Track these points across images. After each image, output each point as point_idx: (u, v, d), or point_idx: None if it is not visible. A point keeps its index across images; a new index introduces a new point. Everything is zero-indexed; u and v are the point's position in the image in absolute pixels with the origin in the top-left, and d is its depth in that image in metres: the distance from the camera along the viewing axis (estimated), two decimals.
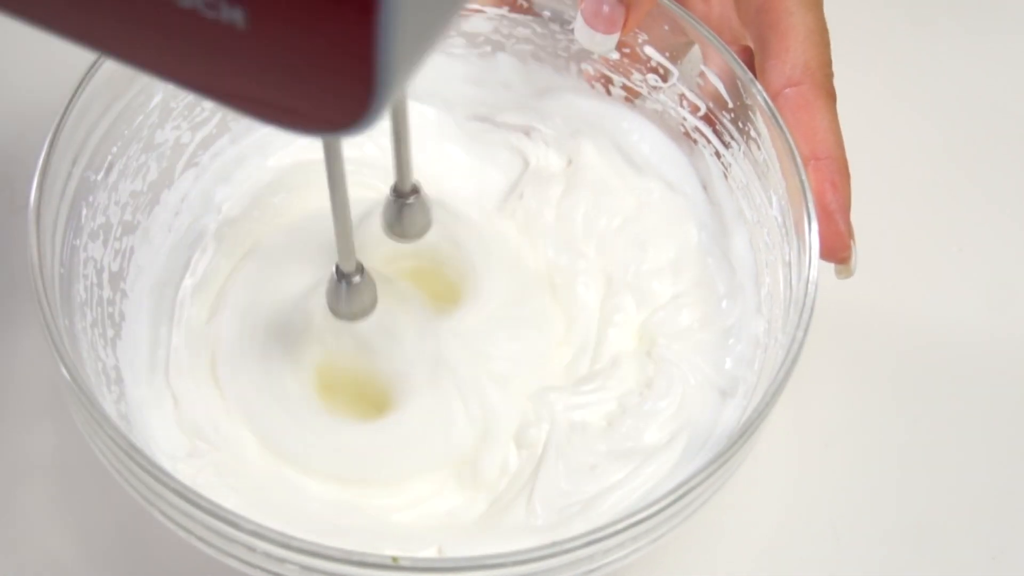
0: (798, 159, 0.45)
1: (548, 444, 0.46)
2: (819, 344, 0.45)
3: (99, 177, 0.46)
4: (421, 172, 0.43)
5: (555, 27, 0.52)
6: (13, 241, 0.54)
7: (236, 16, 0.25)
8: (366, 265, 0.41)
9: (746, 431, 0.40)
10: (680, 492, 0.38)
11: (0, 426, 0.50)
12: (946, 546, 0.50)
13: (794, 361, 0.41)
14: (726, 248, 0.50)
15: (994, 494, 0.52)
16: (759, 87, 0.47)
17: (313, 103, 0.26)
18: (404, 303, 0.47)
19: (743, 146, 0.49)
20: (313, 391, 0.46)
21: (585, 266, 0.51)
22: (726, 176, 0.50)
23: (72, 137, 0.44)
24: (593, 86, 0.53)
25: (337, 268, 0.41)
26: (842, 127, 0.47)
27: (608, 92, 0.53)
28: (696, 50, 0.50)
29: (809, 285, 0.43)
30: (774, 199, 0.47)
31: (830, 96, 0.47)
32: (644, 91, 0.52)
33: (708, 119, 0.50)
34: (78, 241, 0.44)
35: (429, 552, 0.43)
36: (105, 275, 0.46)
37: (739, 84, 0.48)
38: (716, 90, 0.49)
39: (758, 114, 0.47)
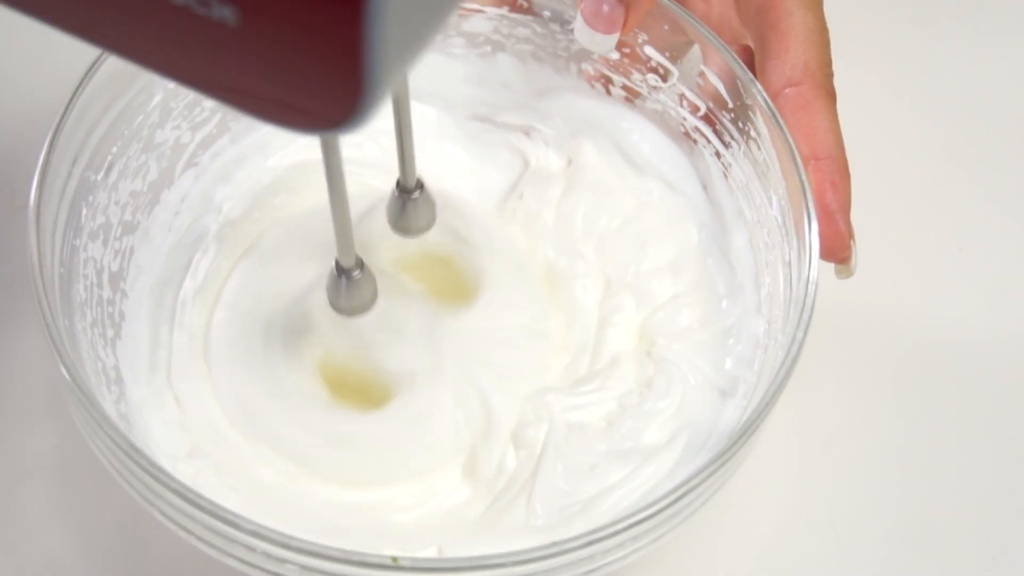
0: (798, 159, 0.45)
1: (547, 444, 0.46)
2: (819, 344, 0.45)
3: (99, 177, 0.46)
4: (421, 172, 0.43)
5: (555, 27, 0.52)
6: (13, 241, 0.54)
7: (227, 14, 0.25)
8: (369, 261, 0.41)
9: (746, 431, 0.40)
10: (680, 492, 0.38)
11: (0, 426, 0.50)
12: (946, 546, 0.50)
13: (794, 361, 0.41)
14: (726, 248, 0.50)
15: (994, 494, 0.52)
16: (759, 87, 0.47)
17: (305, 100, 0.26)
18: (405, 298, 0.47)
19: (743, 146, 0.49)
20: (314, 388, 0.46)
21: (585, 266, 0.51)
22: (726, 176, 0.50)
23: (72, 137, 0.44)
24: (593, 86, 0.53)
25: (337, 263, 0.41)
26: (842, 127, 0.47)
27: (608, 92, 0.53)
28: (696, 50, 0.50)
29: (809, 285, 0.43)
30: (774, 199, 0.47)
31: (830, 96, 0.47)
32: (644, 91, 0.52)
33: (708, 119, 0.50)
34: (78, 241, 0.44)
35: (429, 552, 0.43)
36: (105, 275, 0.46)
37: (739, 84, 0.48)
38: (716, 90, 0.49)
39: (758, 114, 0.47)
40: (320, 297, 0.43)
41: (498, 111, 0.55)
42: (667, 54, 0.50)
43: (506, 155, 0.54)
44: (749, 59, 0.49)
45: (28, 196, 0.41)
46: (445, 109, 0.55)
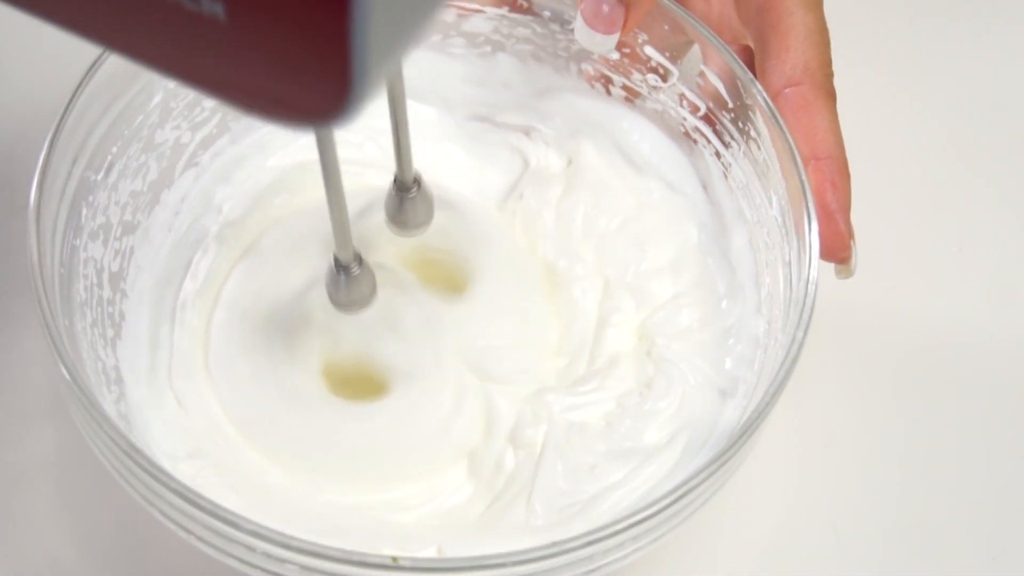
0: (798, 159, 0.45)
1: (546, 444, 0.46)
2: (819, 344, 0.45)
3: (99, 177, 0.46)
4: (421, 172, 0.43)
5: (555, 27, 0.52)
6: (13, 241, 0.54)
7: (217, 9, 0.25)
8: (369, 258, 0.41)
9: (746, 431, 0.40)
10: (680, 492, 0.38)
11: (1, 427, 0.50)
12: (946, 546, 0.50)
13: (794, 361, 0.41)
14: (726, 248, 0.50)
15: (994, 494, 0.52)
16: (759, 87, 0.47)
17: (295, 94, 0.27)
18: (405, 294, 0.47)
19: (743, 146, 0.49)
20: (315, 385, 0.46)
21: (584, 266, 0.51)
22: (726, 176, 0.50)
23: (72, 137, 0.44)
24: (593, 86, 0.53)
25: (335, 259, 0.41)
26: (842, 127, 0.47)
27: (608, 92, 0.53)
28: (696, 50, 0.50)
29: (809, 285, 0.43)
30: (774, 199, 0.47)
31: (830, 96, 0.47)
32: (644, 91, 0.52)
33: (708, 119, 0.50)
34: (78, 241, 0.44)
35: (429, 552, 0.43)
36: (105, 275, 0.46)
37: (739, 84, 0.48)
38: (716, 90, 0.49)
39: (758, 114, 0.47)
40: (320, 294, 0.43)
41: (498, 111, 0.55)
42: (667, 54, 0.50)
43: (506, 155, 0.54)
44: (749, 59, 0.49)
45: (28, 196, 0.41)
46: (445, 109, 0.55)
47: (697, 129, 0.51)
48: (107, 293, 0.46)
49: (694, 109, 0.51)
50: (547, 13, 0.52)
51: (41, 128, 0.43)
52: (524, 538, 0.42)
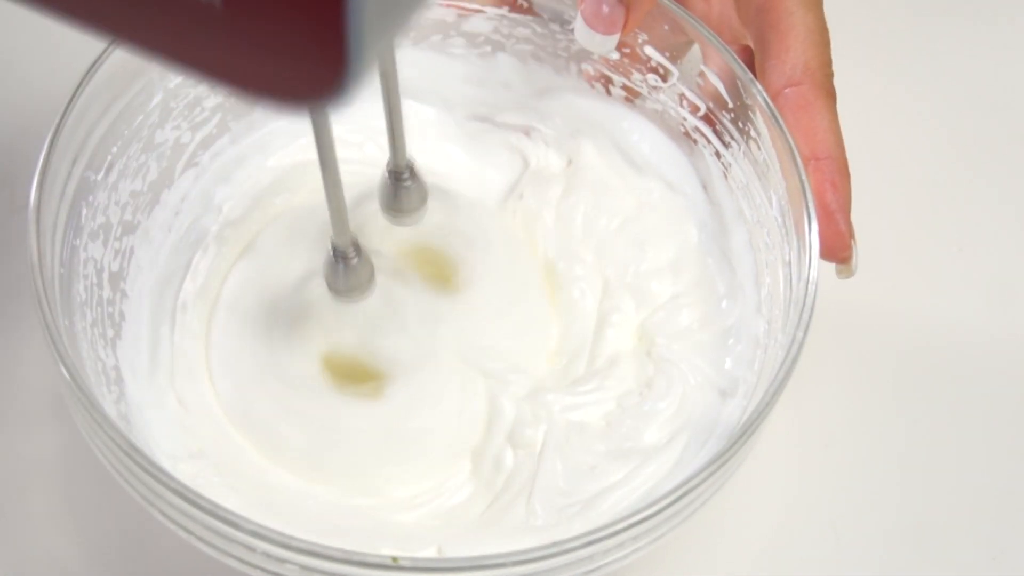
0: (798, 159, 0.45)
1: (546, 444, 0.46)
2: (819, 344, 0.45)
3: (99, 177, 0.46)
4: (421, 171, 0.43)
5: (555, 27, 0.52)
6: (13, 241, 0.54)
7: None
8: (367, 246, 0.42)
9: (746, 431, 0.40)
10: (680, 492, 0.38)
11: (1, 427, 0.50)
12: (946, 546, 0.50)
13: (794, 361, 0.41)
14: (726, 248, 0.50)
15: (994, 494, 0.52)
16: (759, 87, 0.47)
17: (290, 76, 0.27)
18: (403, 283, 0.47)
19: (743, 146, 0.49)
20: (317, 380, 0.46)
21: (584, 266, 0.51)
22: (726, 176, 0.50)
23: (72, 137, 0.44)
24: (593, 86, 0.53)
25: (333, 247, 0.41)
26: (842, 127, 0.47)
27: (608, 92, 0.53)
28: (696, 50, 0.50)
29: (809, 285, 0.43)
30: (774, 199, 0.47)
31: (830, 96, 0.47)
32: (644, 91, 0.52)
33: (708, 119, 0.50)
34: (78, 241, 0.44)
35: (429, 552, 0.43)
36: (105, 275, 0.46)
37: (739, 84, 0.48)
38: (716, 90, 0.49)
39: (758, 114, 0.47)
40: (319, 285, 0.43)
41: (498, 111, 0.55)
42: (667, 54, 0.50)
43: (506, 155, 0.54)
44: (749, 59, 0.49)
45: (28, 196, 0.41)
46: (445, 109, 0.55)
47: (697, 129, 0.51)
48: (107, 293, 0.46)
49: (694, 109, 0.51)
50: (547, 13, 0.52)
51: (41, 128, 0.43)
52: (524, 538, 0.42)
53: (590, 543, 0.37)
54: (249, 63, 0.27)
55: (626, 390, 0.48)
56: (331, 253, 0.41)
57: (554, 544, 0.37)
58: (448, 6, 0.53)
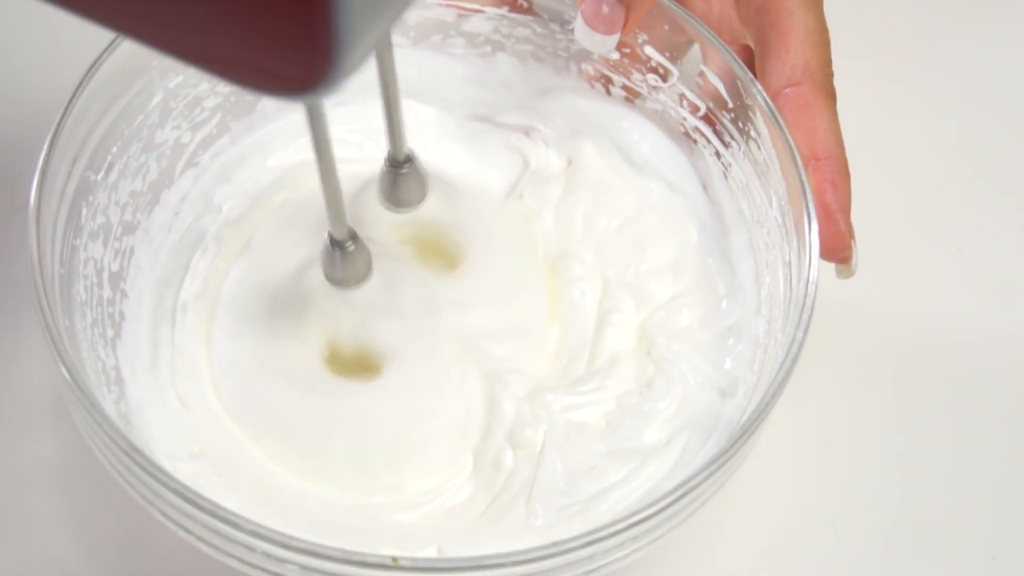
0: (798, 159, 0.45)
1: (546, 444, 0.46)
2: (819, 344, 0.45)
3: (99, 177, 0.46)
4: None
5: (555, 27, 0.52)
6: (13, 241, 0.54)
7: None
8: (366, 236, 0.42)
9: (746, 431, 0.40)
10: (680, 492, 0.38)
11: (1, 427, 0.50)
12: (946, 546, 0.50)
13: (794, 361, 0.41)
14: (726, 248, 0.50)
15: (994, 494, 0.52)
16: (759, 87, 0.47)
17: (280, 63, 0.27)
18: (402, 272, 0.47)
19: (743, 146, 0.49)
20: (318, 373, 0.46)
21: (584, 267, 0.51)
22: (726, 176, 0.50)
23: (72, 137, 0.44)
24: (593, 86, 0.53)
25: (330, 235, 0.41)
26: (842, 127, 0.47)
27: (608, 92, 0.53)
28: (696, 50, 0.50)
29: (809, 285, 0.43)
30: (774, 199, 0.47)
31: (830, 96, 0.47)
32: (644, 91, 0.52)
33: (708, 119, 0.50)
34: (78, 241, 0.44)
35: (429, 552, 0.43)
36: (105, 275, 0.46)
37: (739, 84, 0.48)
38: (716, 90, 0.49)
39: (758, 114, 0.47)
40: (318, 278, 0.44)
41: (498, 111, 0.55)
42: (667, 54, 0.50)
43: (506, 155, 0.54)
44: (749, 59, 0.49)
45: (28, 196, 0.41)
46: (445, 109, 0.55)
47: (697, 129, 0.51)
48: (107, 293, 0.46)
49: (694, 109, 0.51)
50: (547, 13, 0.52)
51: (41, 128, 0.43)
52: (524, 538, 0.42)
53: (590, 543, 0.37)
54: (239, 49, 0.27)
55: (626, 390, 0.48)
56: (328, 242, 0.41)
57: (554, 544, 0.37)
58: (448, 6, 0.53)
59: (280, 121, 0.52)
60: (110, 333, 0.46)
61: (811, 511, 0.51)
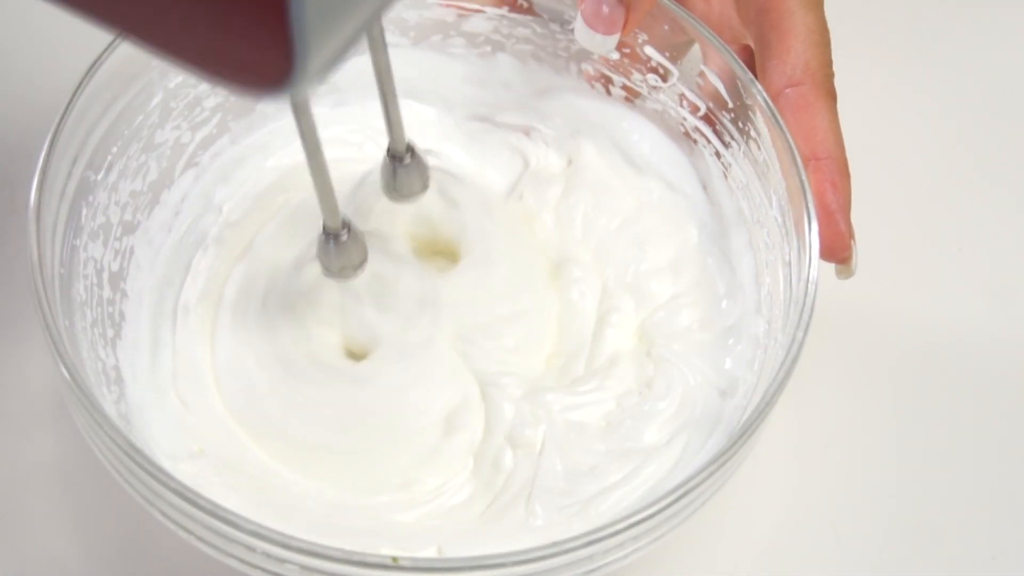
0: (798, 159, 0.45)
1: (546, 444, 0.46)
2: (819, 344, 0.45)
3: (99, 177, 0.46)
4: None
5: (555, 27, 0.52)
6: (13, 241, 0.54)
7: None
8: (369, 231, 0.42)
9: (746, 431, 0.40)
10: (680, 492, 0.38)
11: (1, 427, 0.50)
12: (946, 546, 0.50)
13: (794, 361, 0.41)
14: (726, 248, 0.50)
15: (994, 494, 0.52)
16: (759, 87, 0.47)
17: (245, 59, 0.27)
18: (402, 270, 0.47)
19: (743, 146, 0.49)
20: (319, 368, 0.46)
21: (583, 267, 0.51)
22: (726, 176, 0.50)
23: (72, 137, 0.44)
24: (593, 86, 0.53)
25: (324, 227, 0.41)
26: (842, 127, 0.47)
27: (608, 92, 0.53)
28: (696, 50, 0.50)
29: (809, 285, 0.43)
30: (774, 199, 0.47)
31: (831, 96, 0.47)
32: (644, 91, 0.52)
33: (708, 119, 0.50)
34: (78, 241, 0.45)
35: (429, 552, 0.43)
36: (105, 275, 0.46)
37: (739, 84, 0.48)
38: (716, 90, 0.49)
39: (758, 114, 0.47)
40: (318, 278, 0.44)
41: (498, 111, 0.55)
42: (667, 54, 0.50)
43: (506, 155, 0.54)
44: (749, 59, 0.49)
45: (28, 196, 0.41)
46: (445, 109, 0.55)
47: (697, 129, 0.51)
48: (107, 293, 0.46)
49: (694, 109, 0.51)
50: (547, 13, 0.52)
51: (41, 128, 0.43)
52: (524, 538, 0.42)
53: (590, 543, 0.37)
54: (206, 42, 0.27)
55: (626, 390, 0.48)
56: (322, 233, 0.41)
57: (554, 544, 0.37)
58: (448, 6, 0.53)
59: (280, 121, 0.52)
60: (110, 333, 0.46)
61: (811, 511, 0.51)
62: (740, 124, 0.48)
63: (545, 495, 0.45)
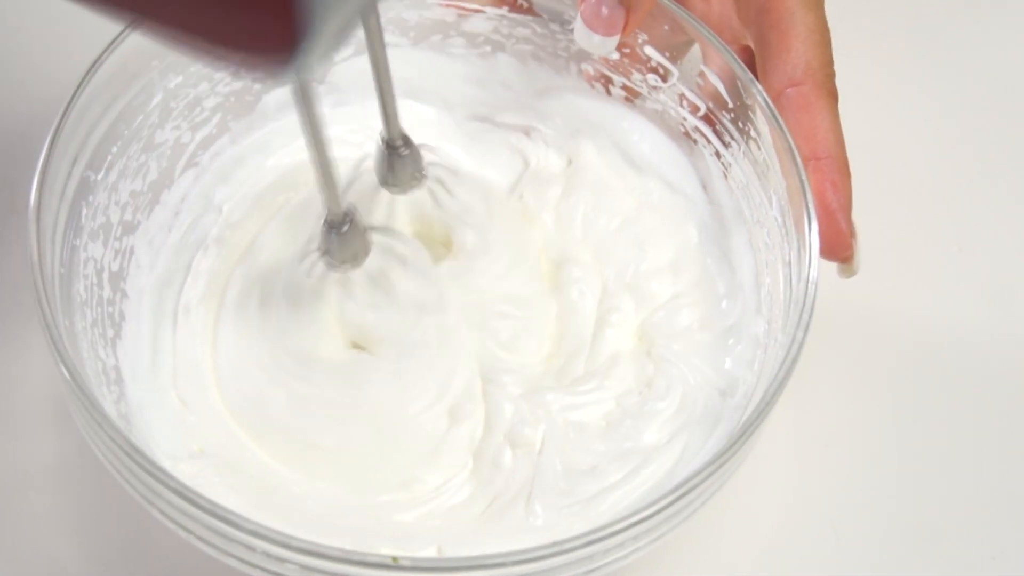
0: (798, 159, 0.45)
1: (545, 443, 0.46)
2: (819, 344, 0.45)
3: (99, 177, 0.46)
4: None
5: (555, 27, 0.52)
6: (13, 241, 0.54)
7: None
8: (368, 221, 0.42)
9: (746, 431, 0.40)
10: (680, 492, 0.38)
11: (1, 427, 0.50)
12: (946, 546, 0.50)
13: (794, 361, 0.41)
14: (726, 248, 0.50)
15: (994, 494, 0.52)
16: (759, 87, 0.47)
17: (250, 31, 0.27)
18: (403, 268, 0.47)
19: (743, 146, 0.49)
20: (320, 363, 0.46)
21: (583, 267, 0.51)
22: (726, 176, 0.50)
23: (72, 137, 0.44)
24: (593, 86, 0.53)
25: (327, 218, 0.41)
26: (842, 126, 0.47)
27: (608, 92, 0.53)
28: (696, 50, 0.50)
29: (809, 285, 0.43)
30: (774, 199, 0.47)
31: (831, 96, 0.47)
32: (644, 91, 0.52)
33: (708, 119, 0.50)
34: (78, 241, 0.45)
35: (429, 552, 0.43)
36: (105, 275, 0.46)
37: (739, 84, 0.48)
38: (716, 90, 0.49)
39: (758, 114, 0.47)
40: (319, 277, 0.44)
41: (498, 111, 0.55)
42: (667, 54, 0.50)
43: (506, 155, 0.54)
44: (749, 59, 0.49)
45: (28, 196, 0.41)
46: (445, 109, 0.55)
47: (697, 129, 0.51)
48: (107, 293, 0.46)
49: (694, 109, 0.51)
50: (547, 14, 0.52)
51: (41, 128, 0.43)
52: (524, 538, 0.42)
53: (590, 543, 0.37)
54: (211, 18, 0.28)
55: (626, 390, 0.48)
56: (324, 224, 0.41)
57: (554, 544, 0.37)
58: (448, 6, 0.53)
59: (280, 121, 0.52)
60: (110, 333, 0.46)
61: (811, 511, 0.51)
62: (740, 124, 0.48)
63: (545, 495, 0.45)
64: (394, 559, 0.36)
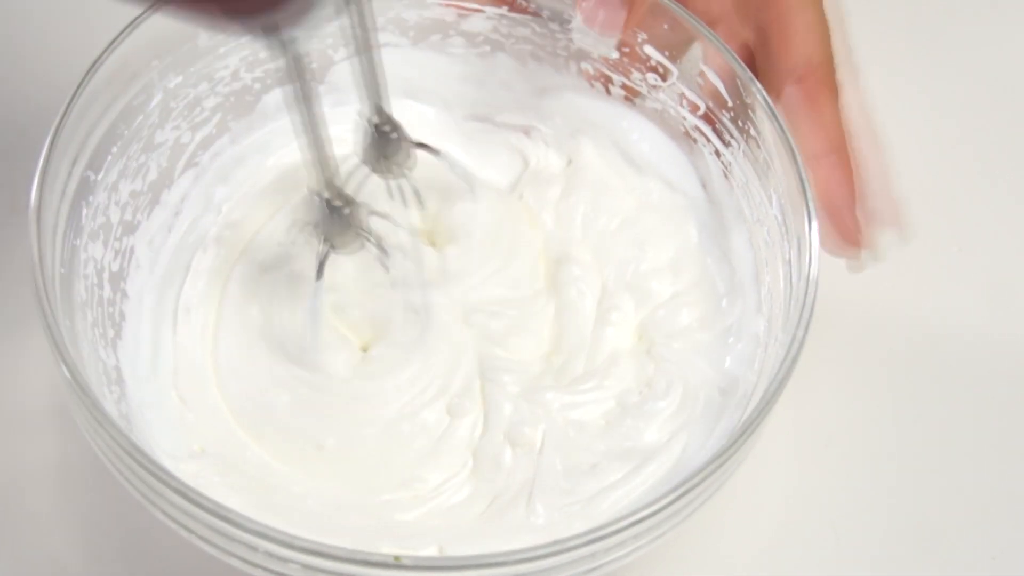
0: (798, 157, 0.45)
1: (545, 443, 0.46)
2: (819, 343, 0.45)
3: (99, 177, 0.46)
4: (422, 170, 0.44)
5: (555, 27, 0.52)
6: (13, 241, 0.54)
7: None
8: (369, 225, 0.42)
9: (746, 431, 0.40)
10: (680, 492, 0.38)
11: (2, 427, 0.50)
12: (946, 546, 0.50)
13: (794, 360, 0.41)
14: (726, 247, 0.50)
15: (994, 494, 0.52)
16: (759, 86, 0.47)
17: None
18: (403, 266, 0.47)
19: (743, 145, 0.49)
20: (323, 374, 0.46)
21: (583, 266, 0.51)
22: (726, 175, 0.50)
23: (72, 137, 0.44)
24: (593, 85, 0.53)
25: (327, 201, 0.41)
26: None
27: (608, 91, 0.53)
28: (696, 49, 0.50)
29: (809, 284, 0.43)
30: (774, 197, 0.47)
31: (833, 91, 0.47)
32: (644, 90, 0.52)
33: (708, 118, 0.50)
34: (78, 241, 0.45)
35: (430, 551, 0.43)
36: (105, 275, 0.46)
37: (739, 83, 0.48)
38: (716, 89, 0.49)
39: (758, 112, 0.47)
40: (319, 276, 0.44)
41: (498, 111, 0.55)
42: (667, 53, 0.50)
43: (506, 155, 0.54)
44: (749, 57, 0.49)
45: (28, 196, 0.41)
46: (445, 109, 0.55)
47: (697, 128, 0.51)
48: (107, 293, 0.46)
49: (694, 108, 0.51)
50: (547, 13, 0.52)
51: (41, 128, 0.43)
52: (525, 537, 0.42)
53: (591, 542, 0.37)
54: None
55: (626, 389, 0.48)
56: (323, 206, 0.42)
57: (555, 543, 0.37)
58: (448, 6, 0.53)
59: (280, 121, 0.52)
60: (111, 333, 0.46)
61: (811, 511, 0.51)
62: (740, 123, 0.48)
63: (545, 494, 0.45)
64: (396, 558, 0.36)
